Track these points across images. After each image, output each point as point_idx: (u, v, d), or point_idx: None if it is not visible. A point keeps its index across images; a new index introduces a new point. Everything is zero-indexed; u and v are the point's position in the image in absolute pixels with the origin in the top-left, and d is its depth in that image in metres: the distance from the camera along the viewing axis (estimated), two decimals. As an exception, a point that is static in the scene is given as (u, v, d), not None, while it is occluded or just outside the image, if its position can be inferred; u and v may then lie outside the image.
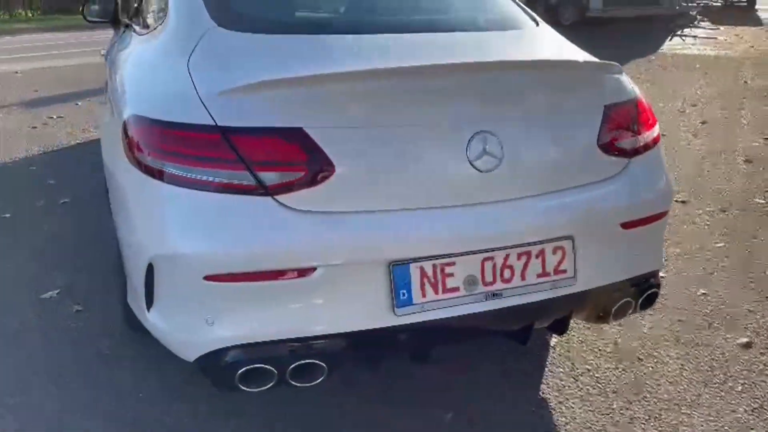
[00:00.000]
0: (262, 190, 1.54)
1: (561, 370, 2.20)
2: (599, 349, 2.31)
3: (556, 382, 2.13)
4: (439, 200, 1.62)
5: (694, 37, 13.03)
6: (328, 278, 1.56)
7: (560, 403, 2.04)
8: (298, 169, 1.55)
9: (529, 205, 1.70)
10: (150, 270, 1.64)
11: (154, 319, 1.71)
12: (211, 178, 1.55)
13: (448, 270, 1.63)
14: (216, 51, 1.83)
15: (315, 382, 1.63)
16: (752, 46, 11.50)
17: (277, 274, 1.54)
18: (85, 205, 3.70)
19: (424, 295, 1.61)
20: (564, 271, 1.73)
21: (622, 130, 1.86)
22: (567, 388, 2.11)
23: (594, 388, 2.11)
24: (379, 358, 1.74)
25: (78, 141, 5.12)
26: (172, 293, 1.63)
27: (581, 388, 2.11)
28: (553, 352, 2.29)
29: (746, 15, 19.27)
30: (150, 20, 2.50)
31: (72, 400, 2.05)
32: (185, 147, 1.58)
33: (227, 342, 1.59)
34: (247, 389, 1.61)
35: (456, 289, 1.64)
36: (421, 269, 1.61)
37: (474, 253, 1.63)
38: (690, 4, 16.26)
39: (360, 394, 2.06)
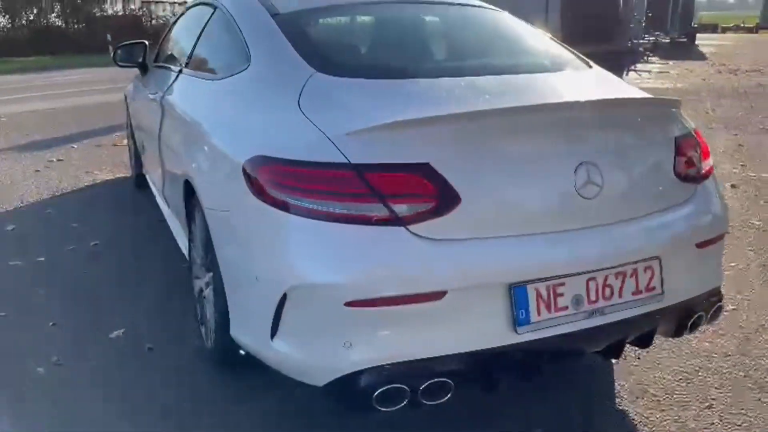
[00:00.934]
0: (396, 220, 1.67)
1: (628, 384, 2.35)
2: (657, 364, 2.48)
3: (629, 395, 2.29)
4: (551, 225, 1.78)
5: (649, 71, 13.81)
6: (456, 300, 1.69)
7: (638, 413, 2.19)
8: (427, 200, 1.69)
9: (624, 228, 1.87)
10: (282, 300, 1.74)
11: (280, 347, 1.80)
12: (347, 212, 1.68)
13: (558, 290, 1.78)
14: (326, 94, 1.96)
15: (442, 400, 1.74)
16: (704, 80, 12.26)
17: (412, 299, 1.66)
18: (116, 246, 3.73)
19: (539, 314, 1.76)
20: (654, 288, 1.90)
21: (690, 158, 2.06)
22: (640, 399, 2.26)
23: (664, 399, 2.26)
24: (498, 376, 1.86)
25: (86, 183, 5.12)
26: (308, 321, 1.73)
27: (653, 399, 2.26)
28: (616, 368, 2.45)
29: (689, 50, 20.49)
30: (219, 66, 2.62)
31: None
32: (321, 184, 1.70)
33: (364, 364, 1.69)
34: (382, 409, 1.71)
35: (565, 308, 1.79)
36: (537, 290, 1.75)
37: (580, 274, 1.79)
38: (640, 41, 17.24)
39: (446, 413, 2.16)
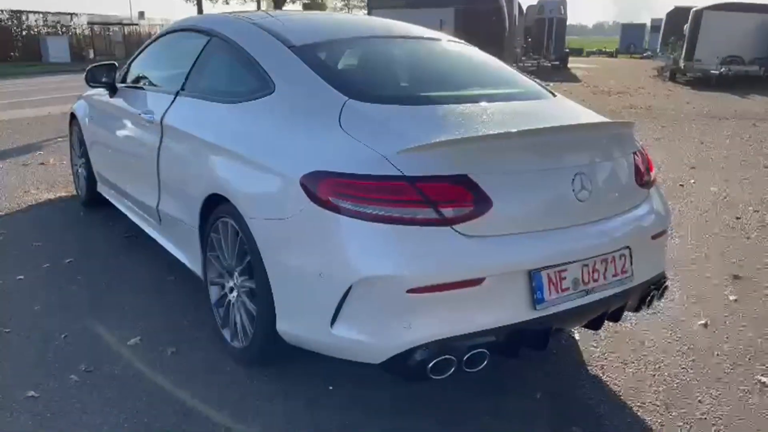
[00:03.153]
0: (444, 221, 2.06)
1: (604, 360, 2.86)
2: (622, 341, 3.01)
3: (598, 369, 2.79)
4: (557, 223, 2.25)
5: (535, 92, 15.06)
6: (491, 285, 2.09)
7: (602, 371, 2.69)
8: (467, 205, 2.09)
9: (605, 224, 2.37)
10: (346, 292, 2.07)
11: (340, 333, 2.12)
12: (405, 215, 2.04)
13: (562, 275, 2.23)
14: (365, 119, 2.32)
15: (480, 367, 2.14)
16: (583, 100, 13.53)
17: (459, 284, 2.05)
18: (93, 262, 3.80)
19: (550, 294, 2.20)
20: (626, 272, 2.40)
21: (643, 169, 2.61)
22: (612, 366, 2.77)
23: (623, 368, 2.78)
24: (518, 346, 2.28)
25: (29, 203, 5.03)
26: (371, 308, 2.06)
27: (621, 364, 2.77)
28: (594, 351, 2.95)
29: (565, 73, 22.34)
30: (233, 91, 2.88)
31: None
32: (381, 193, 2.05)
33: (421, 341, 2.05)
34: (435, 378, 2.07)
35: (567, 288, 2.24)
36: (548, 275, 2.20)
37: (577, 261, 2.26)
38: (525, 65, 18.67)
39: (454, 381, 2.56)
